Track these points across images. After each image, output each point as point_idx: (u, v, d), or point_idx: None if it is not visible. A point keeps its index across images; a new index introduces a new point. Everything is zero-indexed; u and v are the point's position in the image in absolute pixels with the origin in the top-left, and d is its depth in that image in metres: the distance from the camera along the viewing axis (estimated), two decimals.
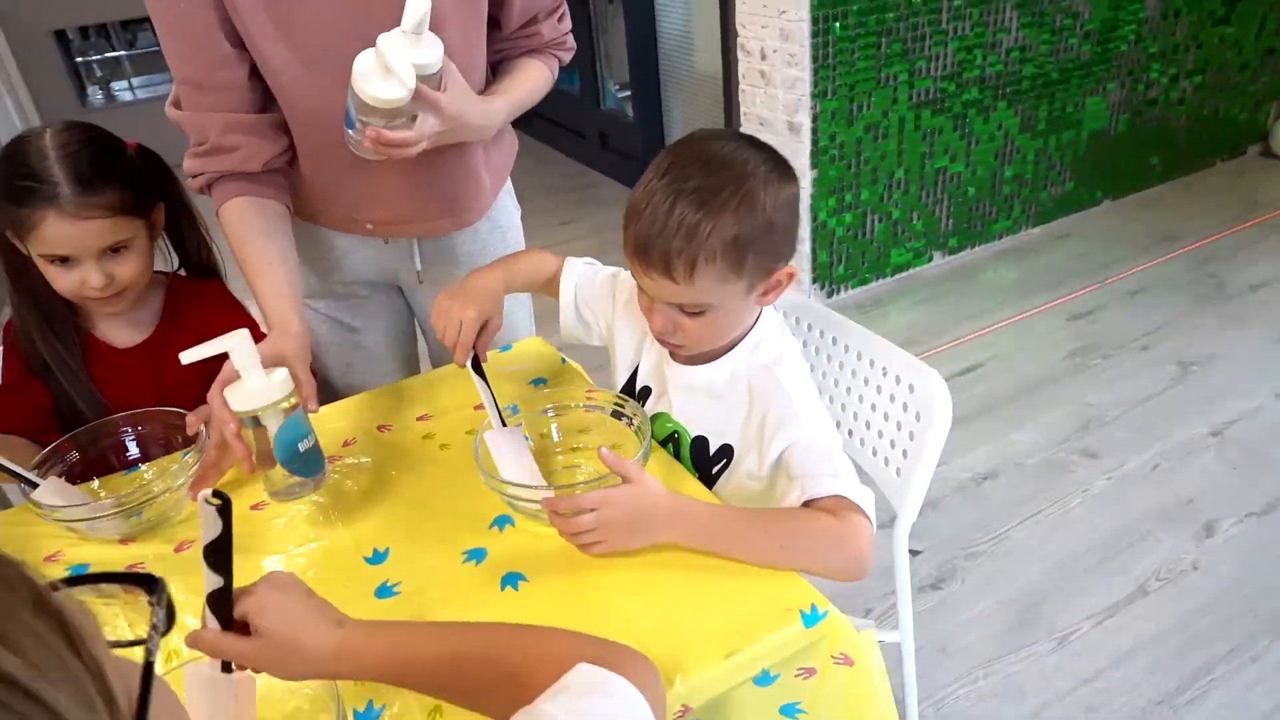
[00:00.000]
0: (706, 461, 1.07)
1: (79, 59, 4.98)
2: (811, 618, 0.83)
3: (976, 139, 3.05)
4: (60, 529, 1.01)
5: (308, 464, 0.99)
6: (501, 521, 1.00)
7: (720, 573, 0.89)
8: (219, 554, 0.67)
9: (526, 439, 1.10)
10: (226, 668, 0.70)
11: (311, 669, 0.70)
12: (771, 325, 1.06)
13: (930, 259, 3.20)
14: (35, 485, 0.99)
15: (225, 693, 0.71)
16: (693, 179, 0.91)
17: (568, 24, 1.31)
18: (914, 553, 2.00)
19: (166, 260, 1.31)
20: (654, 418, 1.13)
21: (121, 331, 1.25)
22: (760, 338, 1.04)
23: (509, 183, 1.46)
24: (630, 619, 0.85)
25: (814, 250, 2.92)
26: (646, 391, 1.14)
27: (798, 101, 2.70)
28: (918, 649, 1.75)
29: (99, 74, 5.16)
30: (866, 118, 2.80)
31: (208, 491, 0.64)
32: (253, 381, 0.96)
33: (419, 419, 1.22)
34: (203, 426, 1.07)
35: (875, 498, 0.94)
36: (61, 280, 1.13)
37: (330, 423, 1.22)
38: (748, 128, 2.94)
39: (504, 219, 1.43)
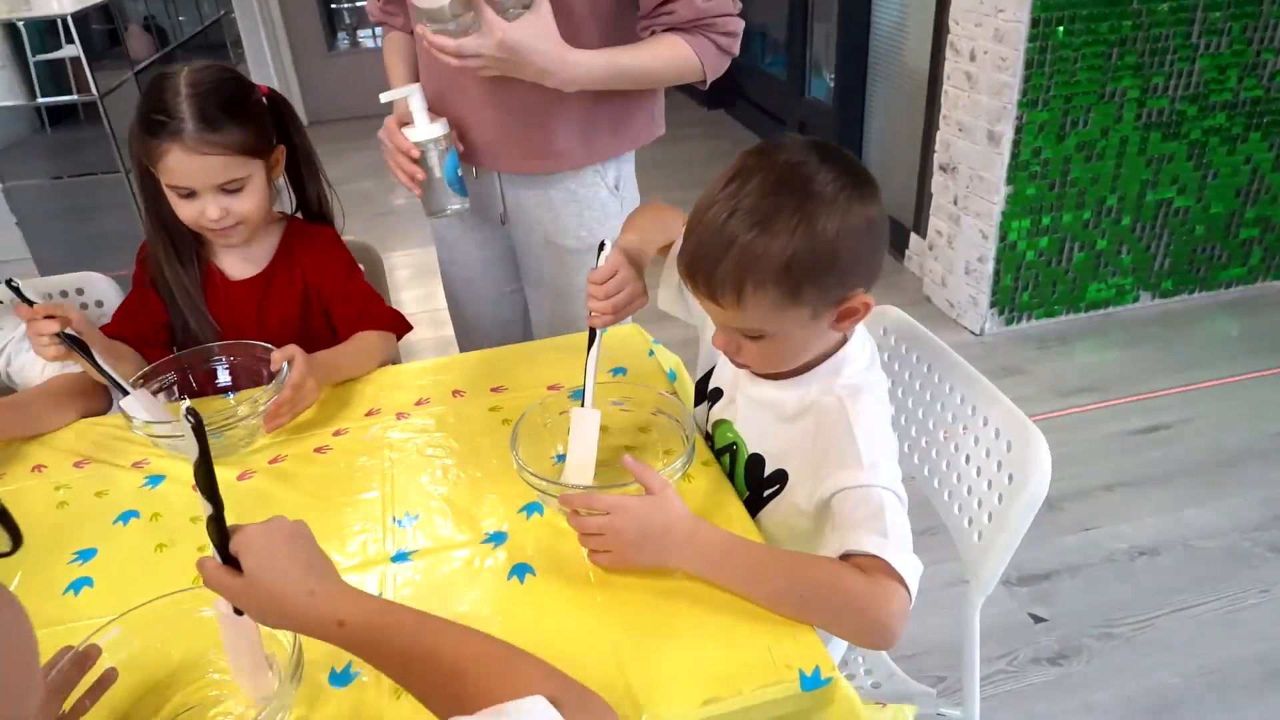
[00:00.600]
0: (759, 482, 1.00)
1: (333, 5, 5.43)
2: (811, 681, 0.75)
3: (1215, 171, 2.68)
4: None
5: (463, 186, 1.31)
6: (531, 509, 0.98)
7: (726, 611, 0.82)
8: (200, 477, 0.69)
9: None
10: (237, 609, 0.73)
11: (286, 622, 0.71)
12: (859, 353, 0.97)
13: (1136, 298, 2.86)
14: (125, 393, 1.08)
15: (232, 632, 0.74)
16: (751, 194, 0.84)
17: (721, 4, 1.25)
18: (1037, 619, 1.81)
19: (287, 204, 1.39)
20: (716, 424, 1.07)
21: (237, 264, 1.33)
22: (842, 365, 0.95)
23: (622, 167, 1.42)
24: (617, 639, 0.80)
25: (997, 272, 2.68)
26: (718, 394, 1.08)
27: (1002, 109, 2.47)
28: None
29: (348, 21, 5.61)
30: (1081, 135, 2.52)
31: (187, 404, 0.66)
32: (422, 120, 1.25)
33: (493, 390, 1.23)
34: (285, 364, 1.12)
35: (959, 571, 0.84)
36: (184, 209, 1.21)
37: (409, 381, 1.25)
38: (946, 132, 2.74)
39: (588, 195, 1.40)
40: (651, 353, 1.28)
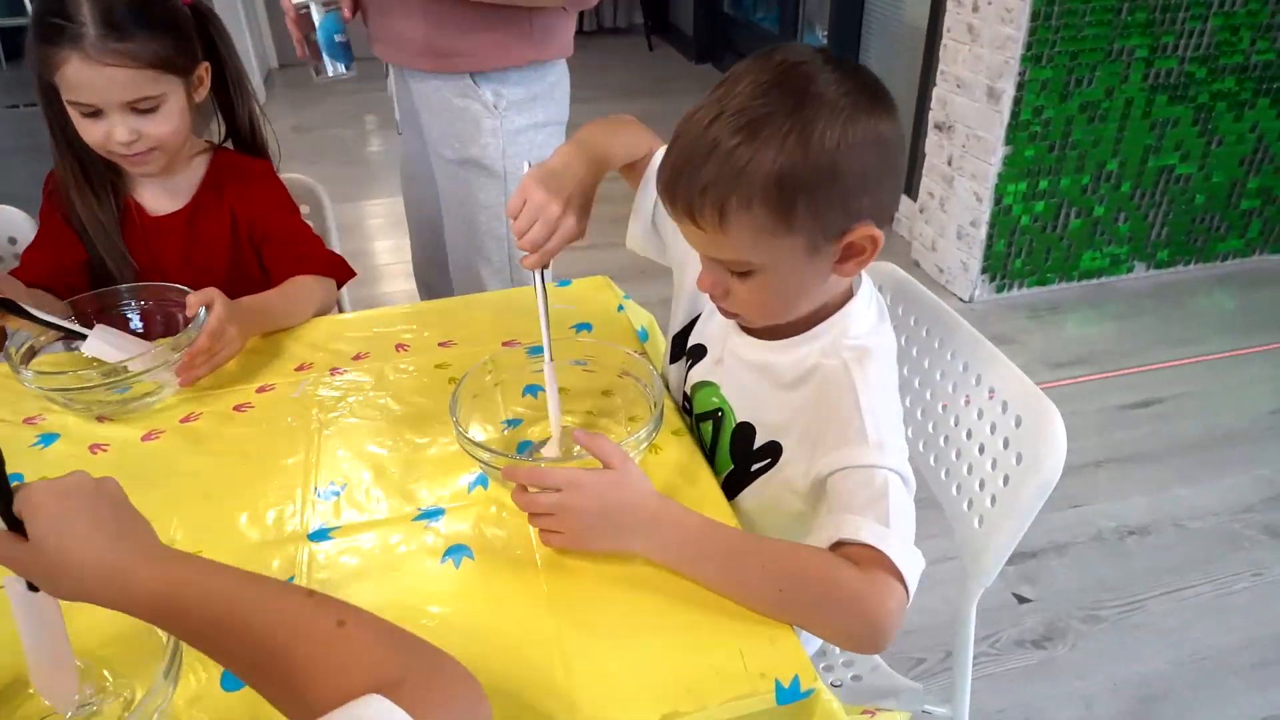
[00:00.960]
0: (747, 455, 0.88)
1: None
2: (789, 693, 0.64)
3: (1220, 138, 2.57)
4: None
5: (344, 53, 1.32)
6: (475, 483, 0.86)
7: (692, 606, 0.71)
8: None
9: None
10: (32, 585, 0.60)
11: (79, 589, 0.58)
12: (866, 309, 0.85)
13: (1130, 269, 2.76)
14: (82, 337, 0.97)
15: (26, 611, 0.62)
16: (741, 96, 0.71)
17: None
18: (1021, 599, 1.72)
19: (217, 134, 1.25)
20: (698, 387, 0.94)
21: (158, 197, 1.19)
22: (847, 322, 0.83)
23: (504, 87, 1.33)
24: (564, 637, 0.69)
25: (990, 237, 2.57)
26: (700, 352, 0.96)
27: (1004, 64, 2.34)
28: (998, 712, 1.51)
29: None
30: (1085, 94, 2.39)
31: None
32: None
33: (440, 344, 1.10)
34: (202, 310, 0.99)
35: (946, 548, 0.73)
36: (89, 131, 1.07)
37: (347, 332, 1.12)
38: (943, 89, 2.61)
39: (461, 105, 1.34)
40: (621, 308, 1.15)
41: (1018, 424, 0.86)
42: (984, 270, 2.63)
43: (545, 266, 0.89)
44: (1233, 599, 1.72)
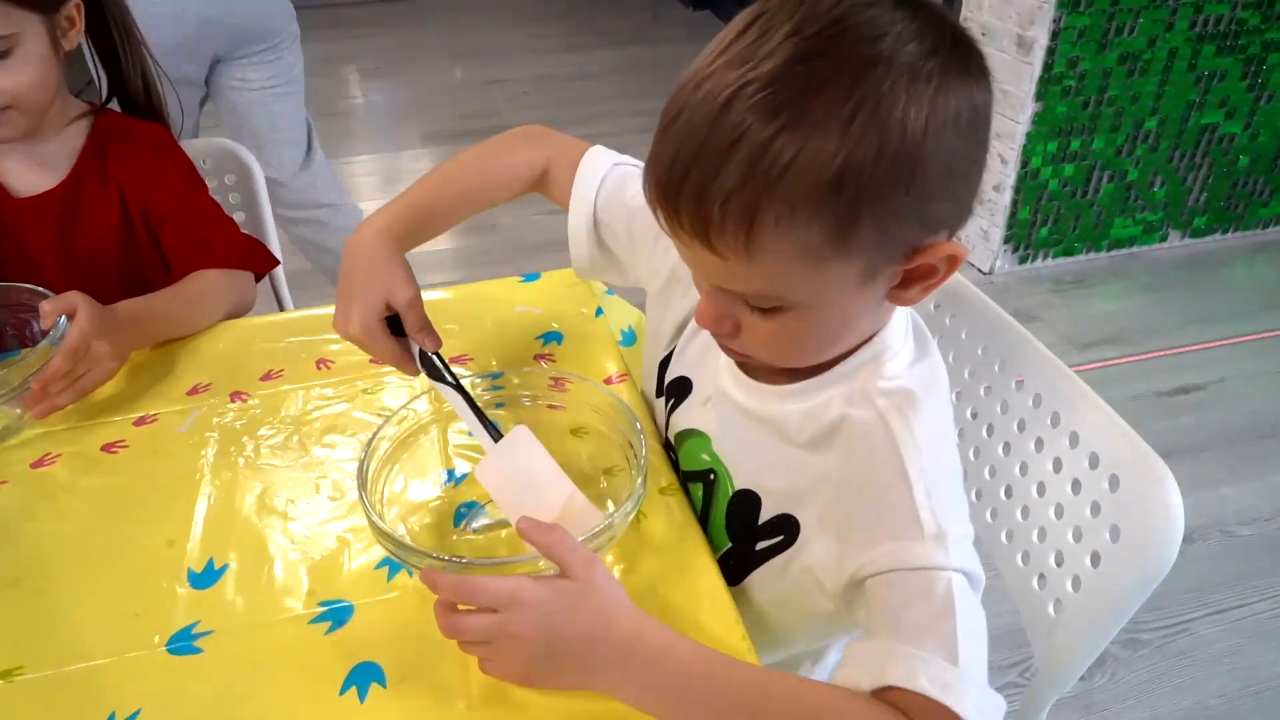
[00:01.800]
0: (751, 531, 0.67)
1: None
2: None
3: (1270, 94, 2.33)
4: None
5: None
6: (398, 566, 0.65)
7: None
8: None
9: (542, 449, 0.67)
10: None
11: None
12: (905, 337, 0.63)
13: (1164, 237, 2.54)
14: None
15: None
16: (776, 57, 0.48)
17: None
18: None
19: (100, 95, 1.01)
20: (684, 436, 0.73)
21: (24, 172, 0.95)
22: (882, 358, 0.61)
23: None
24: None
25: (1014, 203, 2.34)
26: (684, 387, 0.75)
27: (1037, 10, 2.09)
28: None
29: None
30: (1125, 44, 2.15)
31: None
32: None
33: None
34: (62, 319, 0.77)
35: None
36: None
37: (261, 342, 0.90)
38: None
39: None
40: (600, 311, 0.93)
41: (1113, 486, 0.65)
42: (1006, 239, 2.40)
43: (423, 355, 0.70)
44: None
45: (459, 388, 0.67)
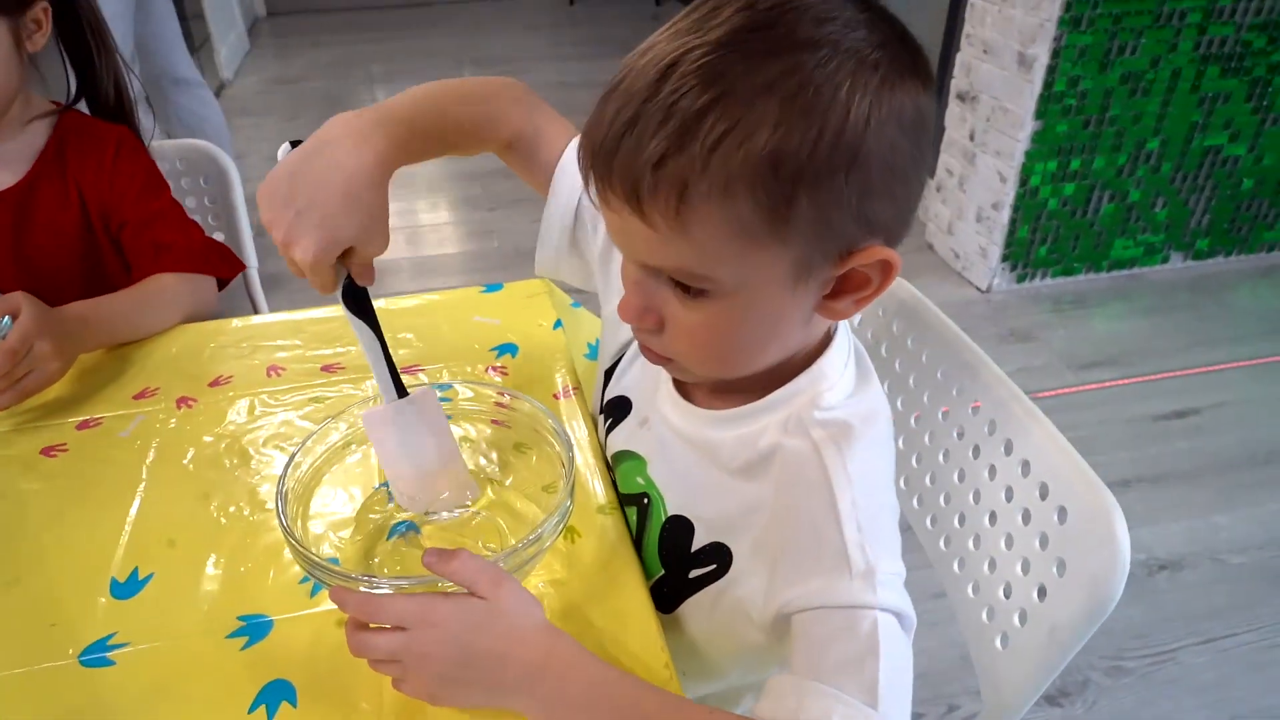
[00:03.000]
0: (683, 559, 0.65)
1: None
2: None
3: (1275, 117, 2.30)
4: None
5: None
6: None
7: None
8: None
9: (445, 417, 0.67)
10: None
11: None
12: (844, 367, 0.61)
13: (1166, 259, 2.51)
14: None
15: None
16: (719, 29, 0.47)
17: None
18: None
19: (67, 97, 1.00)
20: (620, 457, 0.72)
21: None
22: (819, 386, 0.59)
23: None
24: None
25: (1013, 221, 2.32)
26: (623, 405, 0.73)
27: (1039, 28, 2.07)
28: None
29: None
30: (1127, 64, 2.13)
31: None
32: None
33: (323, 368, 0.86)
34: (6, 319, 0.77)
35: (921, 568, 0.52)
36: None
37: (211, 343, 0.89)
38: (968, 54, 2.34)
39: None
40: (559, 323, 0.92)
41: (1061, 518, 0.63)
42: (1005, 257, 2.38)
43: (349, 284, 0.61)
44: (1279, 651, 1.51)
45: (377, 331, 0.62)
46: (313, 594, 0.62)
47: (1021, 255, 2.39)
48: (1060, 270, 2.45)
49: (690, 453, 0.64)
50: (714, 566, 0.63)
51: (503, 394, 0.71)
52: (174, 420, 0.80)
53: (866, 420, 0.58)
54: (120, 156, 0.99)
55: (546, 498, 0.66)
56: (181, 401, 0.82)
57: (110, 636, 0.59)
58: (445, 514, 0.67)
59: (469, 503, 0.60)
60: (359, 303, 0.61)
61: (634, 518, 0.69)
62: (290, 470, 0.62)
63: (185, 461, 0.75)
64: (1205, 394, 2.08)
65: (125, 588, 0.63)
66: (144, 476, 0.74)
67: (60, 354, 0.80)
